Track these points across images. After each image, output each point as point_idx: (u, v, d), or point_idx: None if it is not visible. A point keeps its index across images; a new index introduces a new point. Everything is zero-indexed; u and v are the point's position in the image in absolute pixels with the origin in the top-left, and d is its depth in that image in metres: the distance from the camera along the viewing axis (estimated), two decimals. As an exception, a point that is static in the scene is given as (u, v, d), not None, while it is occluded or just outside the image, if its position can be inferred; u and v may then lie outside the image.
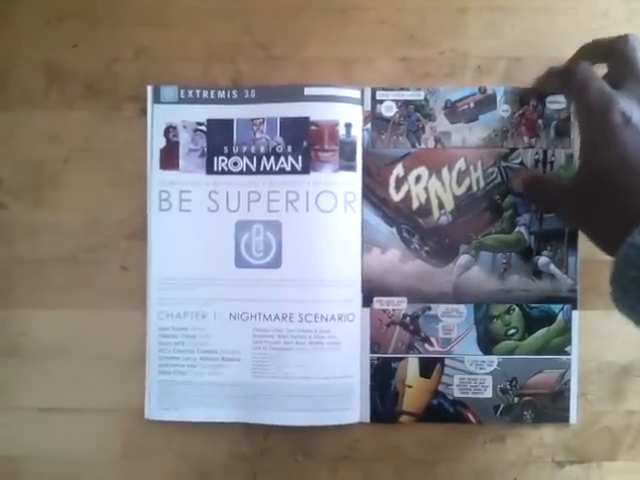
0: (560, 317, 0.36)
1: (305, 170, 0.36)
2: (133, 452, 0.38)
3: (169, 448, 0.38)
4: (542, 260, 0.36)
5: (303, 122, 0.36)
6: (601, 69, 0.32)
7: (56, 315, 0.38)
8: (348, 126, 0.36)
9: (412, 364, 0.37)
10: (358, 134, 0.36)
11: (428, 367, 0.37)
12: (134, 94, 0.38)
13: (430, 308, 0.37)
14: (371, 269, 0.37)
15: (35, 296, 0.38)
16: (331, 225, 0.36)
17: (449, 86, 0.37)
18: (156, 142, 0.37)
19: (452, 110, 0.37)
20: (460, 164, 0.37)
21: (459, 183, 0.37)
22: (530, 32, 0.38)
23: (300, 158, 0.36)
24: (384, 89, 0.37)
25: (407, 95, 0.37)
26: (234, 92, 0.37)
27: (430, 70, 0.38)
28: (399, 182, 0.37)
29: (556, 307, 0.36)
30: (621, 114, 0.28)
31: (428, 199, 0.37)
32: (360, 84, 0.37)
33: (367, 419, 0.37)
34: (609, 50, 0.31)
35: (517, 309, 0.36)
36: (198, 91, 0.37)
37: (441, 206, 0.37)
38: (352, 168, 0.36)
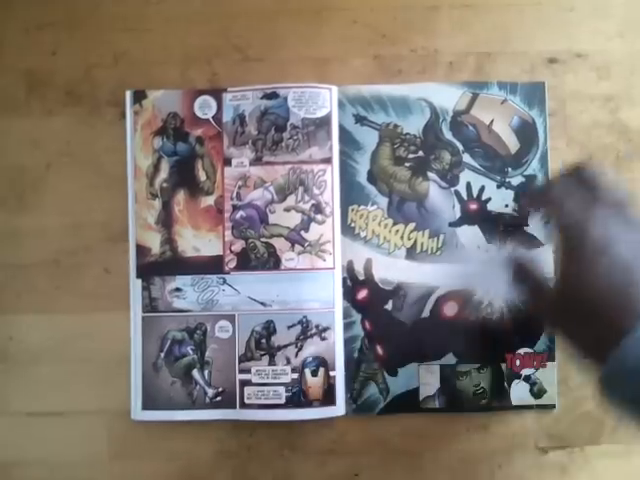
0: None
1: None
2: (120, 453, 0.38)
3: (156, 448, 0.38)
4: None
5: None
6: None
7: (41, 319, 0.38)
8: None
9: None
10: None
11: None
12: (114, 99, 0.39)
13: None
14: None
15: (20, 301, 0.38)
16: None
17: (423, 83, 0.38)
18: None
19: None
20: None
21: None
22: (499, 28, 0.39)
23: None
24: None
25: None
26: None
27: (403, 68, 0.39)
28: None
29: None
30: (594, 245, 0.27)
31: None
32: (334, 83, 0.38)
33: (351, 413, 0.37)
34: (577, 175, 0.30)
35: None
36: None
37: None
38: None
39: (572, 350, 0.30)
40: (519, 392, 0.37)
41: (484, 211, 0.38)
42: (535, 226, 0.38)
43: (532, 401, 0.37)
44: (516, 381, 0.37)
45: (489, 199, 0.38)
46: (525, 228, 0.38)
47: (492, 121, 0.38)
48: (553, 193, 0.30)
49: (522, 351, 0.37)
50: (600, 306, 0.27)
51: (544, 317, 0.34)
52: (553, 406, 0.37)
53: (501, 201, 0.38)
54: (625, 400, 0.26)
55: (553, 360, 0.37)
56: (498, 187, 0.38)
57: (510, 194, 0.38)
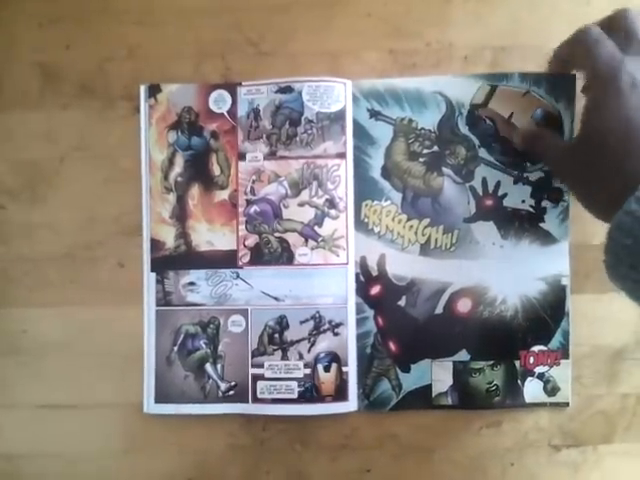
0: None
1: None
2: (133, 447, 0.38)
3: (168, 442, 0.38)
4: None
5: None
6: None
7: (55, 312, 0.38)
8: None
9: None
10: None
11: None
12: (127, 93, 0.39)
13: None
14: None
15: (34, 294, 0.38)
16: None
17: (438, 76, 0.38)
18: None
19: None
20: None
21: None
22: (515, 21, 0.38)
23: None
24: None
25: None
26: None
27: (417, 61, 0.38)
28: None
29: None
30: (629, 78, 0.28)
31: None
32: (348, 77, 0.38)
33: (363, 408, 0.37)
34: (611, 25, 0.31)
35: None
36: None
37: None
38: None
39: (585, 204, 0.30)
40: (532, 390, 0.37)
41: (500, 207, 0.37)
42: (551, 222, 0.37)
43: (545, 399, 0.37)
44: (529, 379, 0.37)
45: (505, 194, 0.37)
46: (541, 224, 0.37)
47: (512, 114, 0.37)
48: (586, 38, 0.31)
49: (536, 348, 0.37)
50: (620, 147, 0.27)
51: (560, 168, 0.34)
52: (567, 404, 0.37)
53: (518, 197, 0.37)
54: (633, 253, 0.25)
55: (567, 358, 0.37)
56: (515, 182, 0.37)
57: (528, 189, 0.37)
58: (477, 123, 0.37)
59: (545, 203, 0.37)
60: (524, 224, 0.37)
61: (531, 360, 0.37)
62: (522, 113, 0.37)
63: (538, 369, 0.37)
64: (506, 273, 0.37)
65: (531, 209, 0.37)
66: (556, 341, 0.37)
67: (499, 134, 0.37)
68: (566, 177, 0.34)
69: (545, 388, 0.37)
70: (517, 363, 0.37)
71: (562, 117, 0.37)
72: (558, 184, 0.37)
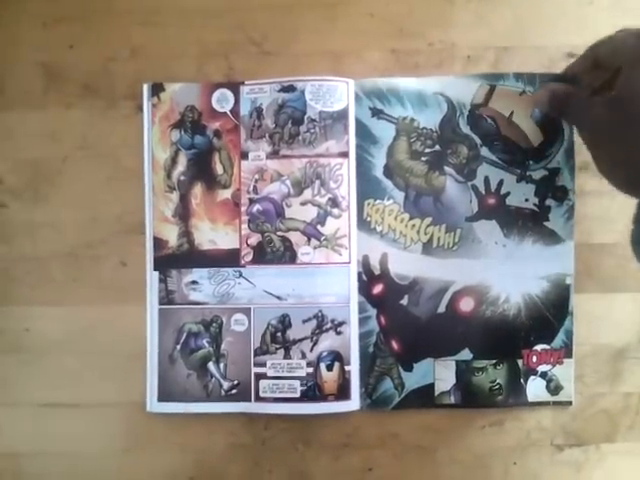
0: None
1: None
2: (135, 445, 0.38)
3: (171, 440, 0.38)
4: None
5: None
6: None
7: (57, 311, 0.38)
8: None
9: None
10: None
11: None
12: (130, 92, 0.39)
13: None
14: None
15: (37, 293, 0.39)
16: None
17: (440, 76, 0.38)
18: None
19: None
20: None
21: None
22: (517, 21, 0.38)
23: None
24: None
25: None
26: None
27: (420, 61, 0.38)
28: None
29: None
30: None
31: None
32: (351, 77, 0.38)
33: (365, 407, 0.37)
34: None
35: None
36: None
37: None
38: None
39: (610, 173, 0.29)
40: (535, 389, 0.37)
41: (503, 205, 0.37)
42: (556, 221, 0.37)
43: (548, 398, 0.37)
44: (532, 377, 0.37)
45: (508, 193, 0.37)
46: (545, 223, 0.37)
47: (512, 113, 0.37)
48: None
49: (539, 347, 0.37)
50: None
51: (589, 126, 0.31)
52: (569, 403, 0.37)
53: (521, 195, 0.37)
54: None
55: (570, 357, 0.37)
56: (518, 181, 0.37)
57: (531, 188, 0.37)
58: (478, 122, 0.38)
59: (549, 202, 0.37)
60: (527, 223, 0.37)
61: (534, 359, 0.37)
62: (521, 112, 0.37)
63: (541, 368, 0.37)
64: (509, 272, 0.37)
65: (535, 208, 0.37)
66: (559, 340, 0.37)
67: (501, 133, 0.37)
68: (594, 137, 0.31)
69: (548, 387, 0.37)
70: (520, 362, 0.37)
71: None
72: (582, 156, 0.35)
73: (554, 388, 0.37)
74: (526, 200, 0.37)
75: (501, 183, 0.38)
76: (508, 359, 0.37)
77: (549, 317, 0.37)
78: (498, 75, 0.37)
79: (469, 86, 0.38)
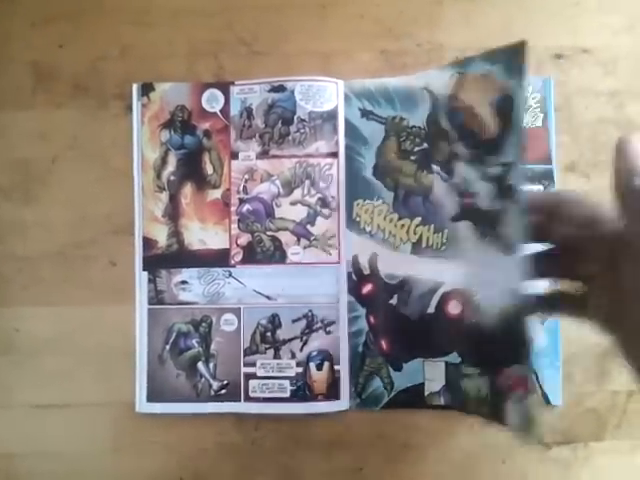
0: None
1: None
2: (125, 445, 0.38)
3: (160, 441, 0.38)
4: None
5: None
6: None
7: (47, 311, 0.38)
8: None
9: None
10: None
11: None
12: (120, 92, 0.39)
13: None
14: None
15: (26, 293, 0.38)
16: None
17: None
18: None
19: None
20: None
21: None
22: (505, 22, 0.39)
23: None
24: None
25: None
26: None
27: (408, 62, 0.39)
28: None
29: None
30: None
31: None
32: (340, 77, 0.38)
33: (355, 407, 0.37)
34: None
35: None
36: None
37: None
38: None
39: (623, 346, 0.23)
40: (514, 413, 0.30)
41: (475, 206, 0.32)
42: (509, 226, 0.29)
43: (525, 426, 0.29)
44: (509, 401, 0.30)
45: (478, 192, 0.32)
46: (499, 228, 0.30)
47: (477, 102, 0.32)
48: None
49: (512, 370, 0.30)
50: None
51: (600, 262, 0.24)
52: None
53: (485, 195, 0.32)
54: None
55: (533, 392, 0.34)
56: (482, 179, 0.32)
57: (490, 187, 0.31)
58: (453, 115, 0.34)
59: (503, 203, 0.30)
60: (493, 226, 0.30)
61: (508, 381, 0.31)
62: (485, 100, 0.31)
63: (515, 394, 0.30)
64: (485, 279, 0.32)
65: (494, 209, 0.31)
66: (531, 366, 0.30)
67: (467, 125, 0.33)
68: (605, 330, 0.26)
69: (522, 416, 0.29)
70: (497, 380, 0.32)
71: (514, 98, 0.29)
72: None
73: (529, 420, 0.28)
74: (490, 200, 0.31)
75: (471, 181, 0.33)
76: (489, 373, 0.33)
77: (522, 337, 0.28)
78: (467, 60, 0.33)
79: (444, 77, 0.34)
